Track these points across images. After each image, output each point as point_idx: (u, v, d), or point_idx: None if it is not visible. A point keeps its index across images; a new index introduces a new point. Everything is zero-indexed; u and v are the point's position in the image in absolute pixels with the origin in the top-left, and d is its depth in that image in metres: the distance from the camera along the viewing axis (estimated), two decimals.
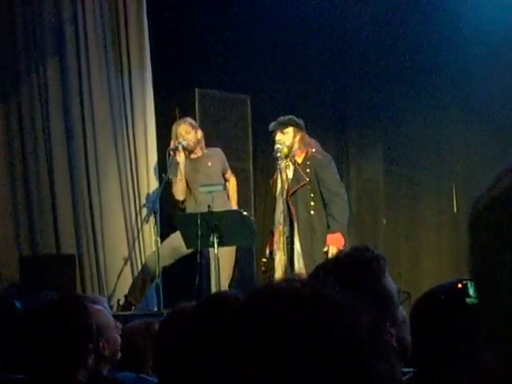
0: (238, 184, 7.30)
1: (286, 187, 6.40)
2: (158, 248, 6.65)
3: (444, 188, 8.16)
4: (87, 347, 2.50)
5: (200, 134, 7.06)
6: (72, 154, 7.48)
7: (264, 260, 6.65)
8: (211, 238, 5.98)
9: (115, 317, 3.73)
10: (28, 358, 2.48)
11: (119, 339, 3.21)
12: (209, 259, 6.70)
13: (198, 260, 6.25)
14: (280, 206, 6.43)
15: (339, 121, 8.77)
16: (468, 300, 1.99)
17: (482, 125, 7.88)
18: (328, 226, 6.34)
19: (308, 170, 6.45)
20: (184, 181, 6.92)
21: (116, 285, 7.35)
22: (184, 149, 6.91)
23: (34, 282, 6.45)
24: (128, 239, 7.52)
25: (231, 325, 1.09)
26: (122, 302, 6.99)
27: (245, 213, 6.25)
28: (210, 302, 1.98)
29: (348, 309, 1.08)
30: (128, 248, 7.50)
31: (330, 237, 6.30)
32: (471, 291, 1.99)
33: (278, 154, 6.41)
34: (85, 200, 7.46)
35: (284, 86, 8.44)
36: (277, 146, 6.46)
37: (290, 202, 6.43)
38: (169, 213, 7.22)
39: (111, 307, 6.55)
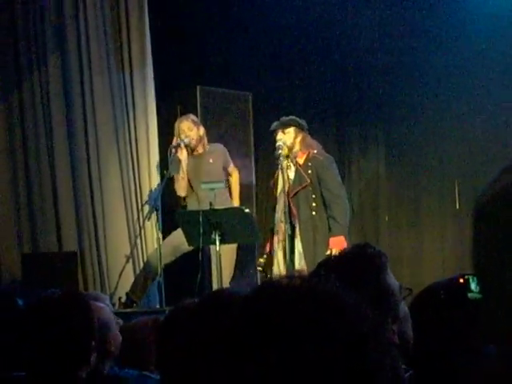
0: (240, 181, 7.29)
1: (287, 188, 6.39)
2: (159, 245, 6.64)
3: (446, 185, 8.16)
4: (90, 345, 2.50)
5: (202, 130, 7.06)
6: (74, 151, 7.47)
7: (261, 260, 6.64)
8: (213, 236, 5.97)
9: (117, 314, 3.73)
10: (31, 357, 2.48)
11: (120, 336, 3.21)
12: (210, 256, 6.70)
13: (200, 257, 6.23)
14: (281, 206, 6.42)
15: (340, 118, 8.78)
16: (470, 295, 1.99)
17: (483, 122, 7.88)
18: (330, 229, 6.35)
19: (309, 172, 6.44)
20: (186, 178, 6.92)
21: (118, 282, 7.35)
22: (186, 146, 6.91)
23: (36, 280, 6.44)
24: (130, 236, 7.52)
25: (234, 322, 1.09)
26: (123, 300, 7.00)
27: (247, 210, 6.22)
28: (213, 299, 1.98)
29: (350, 305, 1.08)
30: (130, 245, 7.49)
31: (332, 240, 6.30)
32: (473, 286, 1.99)
33: (280, 151, 6.40)
34: (87, 197, 7.46)
35: (285, 83, 8.44)
36: (278, 143, 6.45)
37: (291, 203, 6.42)
38: (171, 210, 7.22)
39: (113, 305, 6.55)
